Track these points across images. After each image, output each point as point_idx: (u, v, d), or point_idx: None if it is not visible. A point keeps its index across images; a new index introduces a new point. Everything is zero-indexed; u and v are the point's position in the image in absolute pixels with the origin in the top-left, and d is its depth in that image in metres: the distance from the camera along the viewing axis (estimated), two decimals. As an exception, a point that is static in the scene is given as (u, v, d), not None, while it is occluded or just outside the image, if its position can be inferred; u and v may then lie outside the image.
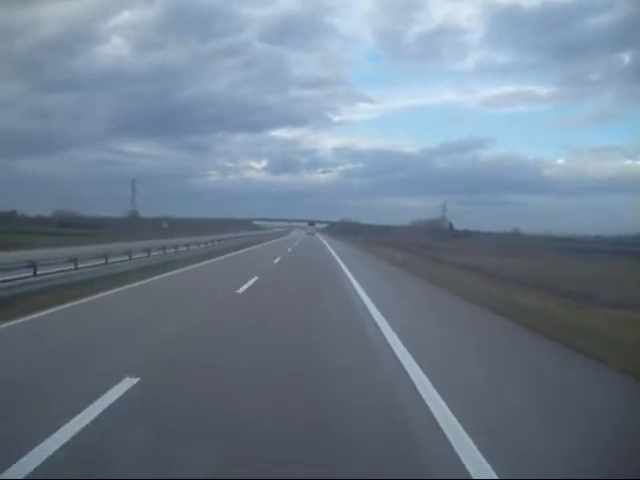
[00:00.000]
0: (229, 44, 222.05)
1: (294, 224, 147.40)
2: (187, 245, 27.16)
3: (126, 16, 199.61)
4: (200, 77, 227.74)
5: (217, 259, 25.47)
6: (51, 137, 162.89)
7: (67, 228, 56.08)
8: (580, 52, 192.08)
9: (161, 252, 22.16)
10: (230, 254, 30.08)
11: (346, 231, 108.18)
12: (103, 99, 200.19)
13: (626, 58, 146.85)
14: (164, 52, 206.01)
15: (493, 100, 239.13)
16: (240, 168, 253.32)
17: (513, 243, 71.18)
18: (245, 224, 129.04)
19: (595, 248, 54.84)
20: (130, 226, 62.63)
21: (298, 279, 16.97)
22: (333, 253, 31.13)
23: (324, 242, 57.41)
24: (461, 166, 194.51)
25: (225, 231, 70.78)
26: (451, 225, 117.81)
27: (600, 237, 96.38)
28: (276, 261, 25.38)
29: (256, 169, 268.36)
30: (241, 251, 34.36)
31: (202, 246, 30.17)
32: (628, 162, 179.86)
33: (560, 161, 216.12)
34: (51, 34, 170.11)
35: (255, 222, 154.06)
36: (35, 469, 3.32)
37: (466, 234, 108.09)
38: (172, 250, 23.76)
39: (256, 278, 15.56)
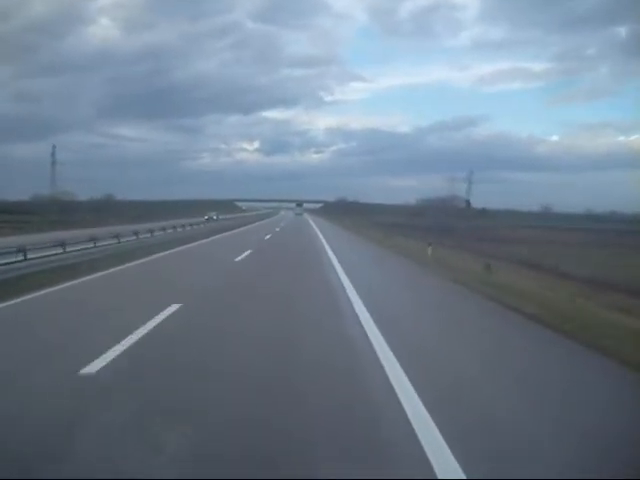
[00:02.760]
0: (220, 24, 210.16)
1: (284, 204, 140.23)
2: (94, 240, 16.57)
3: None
4: (191, 58, 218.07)
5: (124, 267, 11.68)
6: (40, 121, 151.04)
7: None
8: (576, 27, 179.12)
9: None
10: (172, 250, 17.50)
11: (344, 211, 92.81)
12: (92, 82, 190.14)
13: (622, 32, 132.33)
14: (154, 33, 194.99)
15: (488, 77, 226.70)
16: (232, 150, 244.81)
17: (562, 225, 56.17)
18: (227, 205, 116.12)
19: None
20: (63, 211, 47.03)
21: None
22: (329, 252, 16.74)
23: (314, 227, 41.89)
24: (455, 144, 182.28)
25: (194, 215, 57.73)
26: (468, 203, 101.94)
27: (616, 214, 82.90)
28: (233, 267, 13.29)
29: (249, 150, 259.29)
30: (195, 244, 20.42)
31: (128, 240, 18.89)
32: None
33: (554, 137, 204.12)
34: (37, 16, 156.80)
35: (239, 203, 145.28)
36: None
37: (484, 213, 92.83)
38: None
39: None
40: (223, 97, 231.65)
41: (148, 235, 22.52)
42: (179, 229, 28.41)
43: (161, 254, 16.30)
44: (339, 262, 13.28)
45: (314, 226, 42.72)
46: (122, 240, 19.62)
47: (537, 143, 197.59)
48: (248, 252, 16.71)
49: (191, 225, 32.28)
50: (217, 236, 26.13)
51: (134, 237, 21.23)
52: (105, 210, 50.78)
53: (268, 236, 26.26)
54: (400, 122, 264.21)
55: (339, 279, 10.47)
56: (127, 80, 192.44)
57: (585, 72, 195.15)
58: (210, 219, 49.58)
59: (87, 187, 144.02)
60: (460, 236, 29.00)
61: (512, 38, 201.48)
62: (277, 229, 36.39)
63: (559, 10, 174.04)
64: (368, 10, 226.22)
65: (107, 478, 2.66)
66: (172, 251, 17.53)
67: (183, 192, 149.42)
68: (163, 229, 25.73)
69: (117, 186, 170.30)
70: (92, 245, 16.51)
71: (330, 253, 15.85)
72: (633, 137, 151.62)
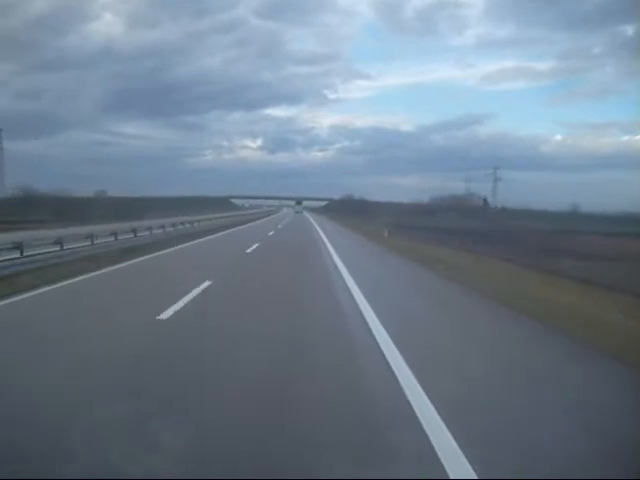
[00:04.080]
0: (224, 20, 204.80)
1: (287, 202, 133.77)
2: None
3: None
4: (195, 55, 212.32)
5: None
6: (40, 118, 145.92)
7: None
8: (582, 25, 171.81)
9: None
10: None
11: (350, 210, 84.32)
12: (94, 79, 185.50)
13: (629, 31, 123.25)
14: (157, 29, 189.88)
15: (493, 76, 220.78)
16: (235, 147, 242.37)
17: (612, 229, 47.68)
18: (222, 203, 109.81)
19: None
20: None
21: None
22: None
23: (319, 230, 33.63)
24: (460, 142, 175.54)
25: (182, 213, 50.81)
26: (485, 201, 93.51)
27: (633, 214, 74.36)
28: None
29: (252, 148, 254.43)
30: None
31: None
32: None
33: (558, 137, 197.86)
34: (41, 11, 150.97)
35: (240, 201, 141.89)
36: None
37: (505, 212, 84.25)
38: None
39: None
40: (226, 94, 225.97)
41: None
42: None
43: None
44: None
45: (319, 231, 34.34)
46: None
47: (542, 142, 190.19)
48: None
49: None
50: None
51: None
52: (70, 208, 42.56)
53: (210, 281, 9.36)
54: (404, 120, 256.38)
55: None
56: (130, 77, 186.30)
57: (591, 70, 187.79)
58: None
59: (86, 183, 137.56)
60: (517, 246, 20.73)
61: (517, 36, 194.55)
62: (255, 246, 18.26)
63: (565, 8, 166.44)
64: (374, 7, 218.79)
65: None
66: None
67: (185, 189, 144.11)
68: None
69: (117, 183, 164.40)
70: None
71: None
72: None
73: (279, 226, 37.74)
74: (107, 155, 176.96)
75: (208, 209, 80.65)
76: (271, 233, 28.75)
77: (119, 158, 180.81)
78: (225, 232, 28.78)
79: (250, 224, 41.62)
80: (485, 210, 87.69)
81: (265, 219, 61.92)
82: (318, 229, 34.90)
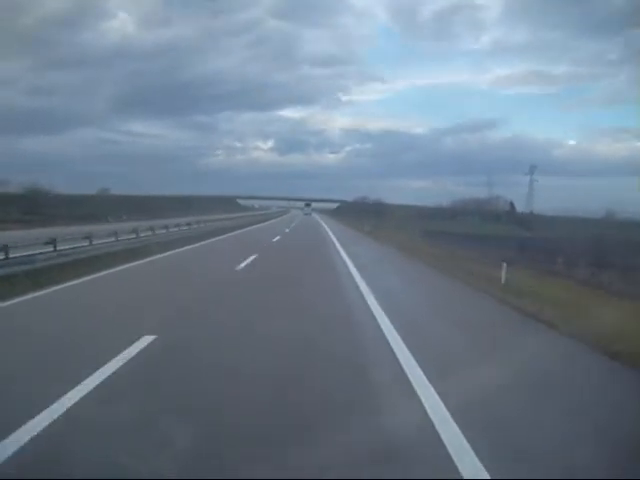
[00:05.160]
0: (240, 20, 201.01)
1: (297, 204, 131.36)
2: None
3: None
4: (209, 55, 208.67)
5: None
6: (52, 116, 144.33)
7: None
8: (598, 31, 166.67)
9: None
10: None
11: (364, 213, 77.23)
12: (106, 78, 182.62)
13: None
14: (172, 29, 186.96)
15: (507, 80, 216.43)
16: (247, 148, 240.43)
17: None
18: (228, 203, 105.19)
19: None
20: None
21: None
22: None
23: (339, 249, 25.93)
24: (472, 146, 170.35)
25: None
26: (512, 205, 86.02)
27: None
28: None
29: (263, 149, 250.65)
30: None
31: None
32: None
33: (571, 142, 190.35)
34: (55, 9, 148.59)
35: (251, 201, 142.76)
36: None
37: (533, 218, 76.76)
38: None
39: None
40: (239, 95, 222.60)
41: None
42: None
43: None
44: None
45: (340, 250, 26.89)
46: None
47: (555, 146, 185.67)
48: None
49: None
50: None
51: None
52: (43, 206, 36.36)
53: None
54: (417, 123, 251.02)
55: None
56: (143, 76, 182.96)
57: (606, 76, 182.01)
58: None
59: (98, 181, 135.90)
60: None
61: (533, 41, 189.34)
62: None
63: (581, 14, 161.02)
64: (389, 10, 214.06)
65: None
66: None
67: (195, 189, 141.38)
68: None
69: (127, 181, 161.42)
70: None
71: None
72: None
73: (275, 238, 27.67)
74: (119, 153, 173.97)
75: (213, 209, 74.68)
76: (249, 260, 15.18)
77: (131, 157, 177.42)
78: (179, 250, 21.86)
79: (237, 232, 33.50)
80: (512, 215, 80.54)
81: (267, 223, 55.07)
82: (337, 245, 26.95)
